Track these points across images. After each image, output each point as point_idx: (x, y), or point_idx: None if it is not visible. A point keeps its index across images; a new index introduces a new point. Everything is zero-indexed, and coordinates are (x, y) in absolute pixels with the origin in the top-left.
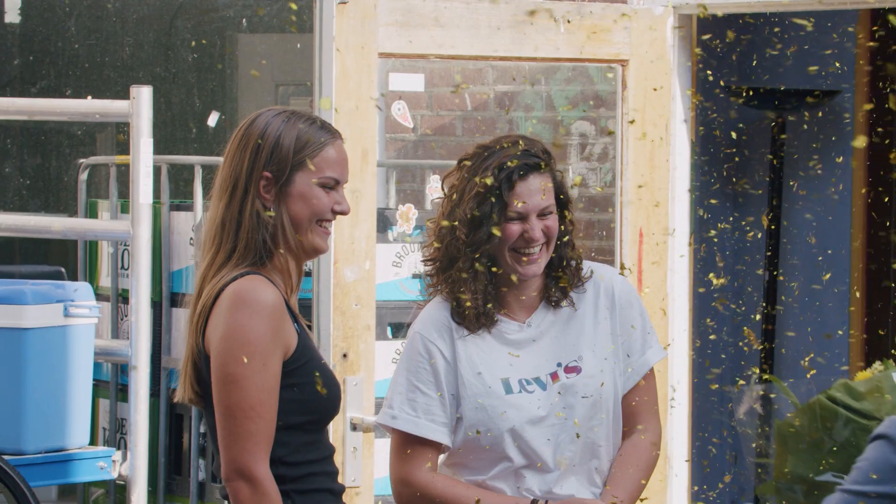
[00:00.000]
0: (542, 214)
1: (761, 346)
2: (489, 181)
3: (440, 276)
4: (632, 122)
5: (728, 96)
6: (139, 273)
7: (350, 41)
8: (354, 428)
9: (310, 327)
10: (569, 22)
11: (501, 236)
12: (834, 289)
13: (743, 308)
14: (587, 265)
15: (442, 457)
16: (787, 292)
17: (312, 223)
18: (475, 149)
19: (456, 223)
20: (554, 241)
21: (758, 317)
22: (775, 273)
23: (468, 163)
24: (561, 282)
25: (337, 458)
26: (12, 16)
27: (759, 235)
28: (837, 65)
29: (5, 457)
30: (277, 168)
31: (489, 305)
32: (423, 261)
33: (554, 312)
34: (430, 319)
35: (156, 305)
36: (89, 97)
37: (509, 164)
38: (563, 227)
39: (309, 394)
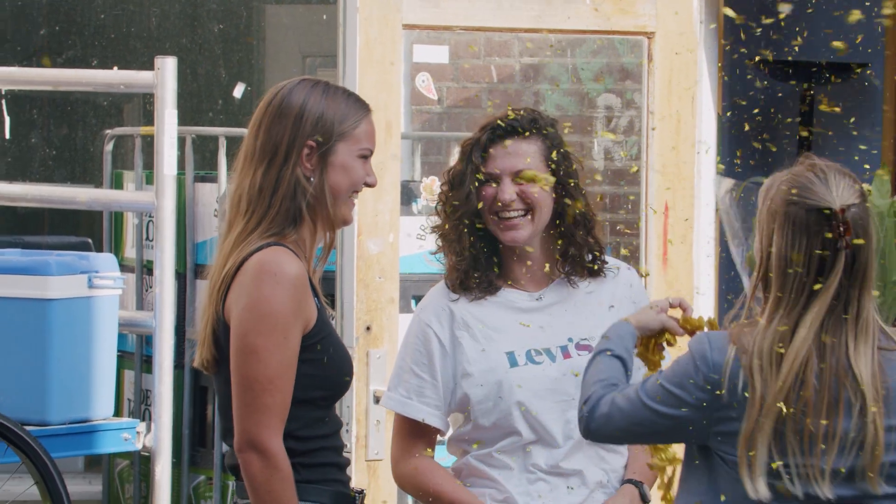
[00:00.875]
0: (517, 179)
1: None
2: (468, 142)
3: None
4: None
5: (755, 69)
6: (163, 244)
7: (374, 12)
8: (378, 401)
9: (331, 302)
10: None
11: (480, 201)
12: None
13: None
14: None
15: (452, 432)
16: None
17: (349, 194)
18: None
19: (441, 186)
20: (540, 210)
21: None
22: None
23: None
24: (574, 257)
25: (360, 431)
26: None
27: None
28: (863, 38)
29: (29, 427)
30: (323, 137)
31: (487, 273)
32: (431, 230)
33: (568, 290)
34: (430, 302)
35: (180, 277)
36: (115, 68)
37: (487, 125)
38: (566, 200)
39: (325, 369)
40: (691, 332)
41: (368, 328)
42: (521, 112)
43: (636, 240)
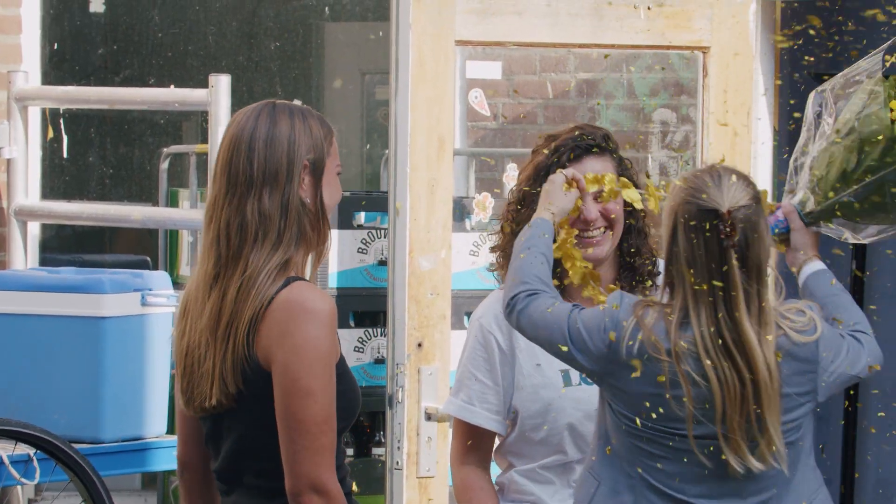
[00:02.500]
0: (599, 197)
1: None
2: (540, 161)
3: (502, 260)
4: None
5: (815, 86)
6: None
7: (427, 29)
8: (429, 418)
9: (383, 319)
10: (649, 9)
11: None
12: None
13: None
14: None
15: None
16: (874, 290)
17: (331, 211)
18: (543, 138)
19: (510, 204)
20: (619, 226)
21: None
22: (861, 273)
23: (540, 154)
24: (634, 271)
25: (411, 448)
26: (97, 5)
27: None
28: None
29: (82, 445)
30: (315, 158)
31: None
32: (491, 249)
33: None
34: (490, 308)
35: None
36: (171, 86)
37: (562, 146)
38: (633, 216)
39: (347, 400)
40: (598, 192)
41: (420, 345)
42: (580, 130)
43: None
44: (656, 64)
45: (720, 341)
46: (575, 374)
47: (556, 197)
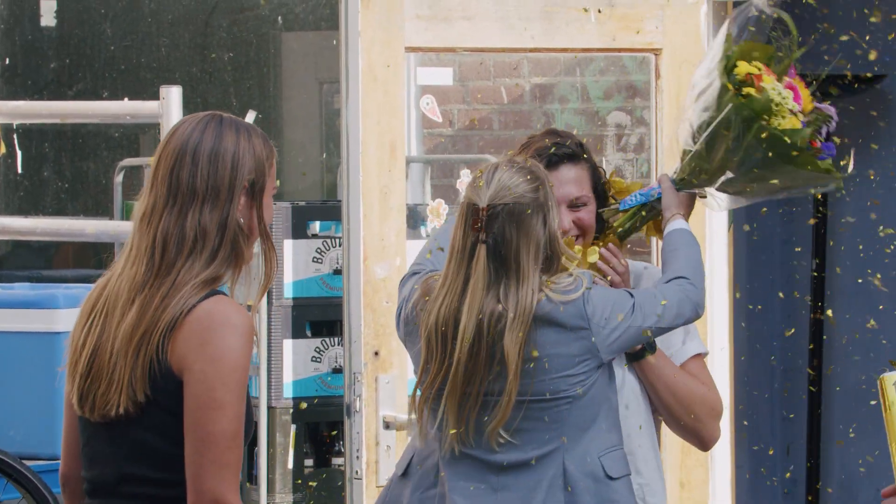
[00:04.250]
0: (573, 206)
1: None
2: None
3: None
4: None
5: None
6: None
7: (376, 36)
8: (387, 426)
9: (339, 327)
10: (599, 11)
11: None
12: (884, 287)
13: (794, 295)
14: (633, 265)
15: None
16: (834, 286)
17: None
18: (520, 145)
19: None
20: (591, 234)
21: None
22: (818, 272)
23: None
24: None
25: (370, 457)
26: (48, 19)
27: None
28: (882, 48)
29: (38, 461)
30: (255, 177)
31: None
32: None
33: None
34: None
35: None
36: (126, 99)
37: (537, 157)
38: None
39: (249, 416)
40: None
41: (377, 353)
42: (551, 138)
43: (648, 258)
44: (609, 67)
45: (441, 324)
46: None
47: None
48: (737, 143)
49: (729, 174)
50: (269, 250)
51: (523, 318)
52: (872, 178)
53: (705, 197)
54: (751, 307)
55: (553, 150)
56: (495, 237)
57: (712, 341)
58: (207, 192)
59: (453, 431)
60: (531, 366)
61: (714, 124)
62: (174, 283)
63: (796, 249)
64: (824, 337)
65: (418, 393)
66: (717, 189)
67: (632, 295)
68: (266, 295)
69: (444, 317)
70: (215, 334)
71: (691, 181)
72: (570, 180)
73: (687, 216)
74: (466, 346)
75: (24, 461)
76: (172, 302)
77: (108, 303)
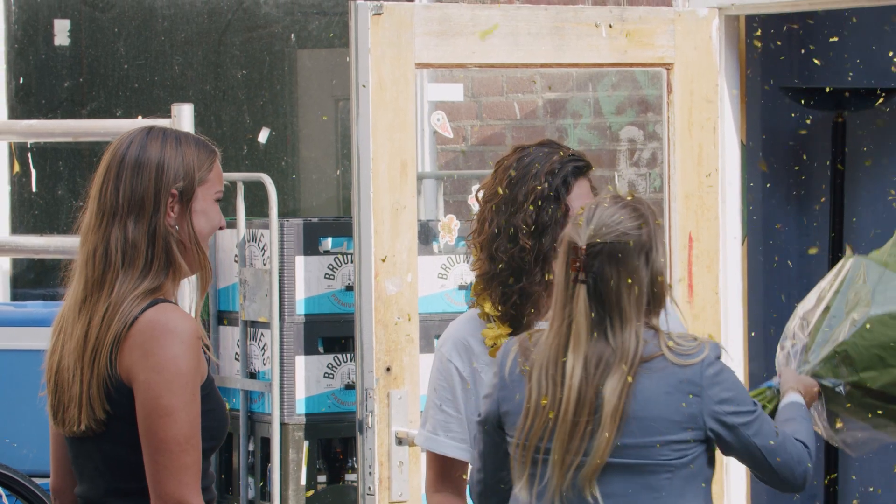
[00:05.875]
0: None
1: None
2: (541, 187)
3: (500, 291)
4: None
5: (788, 98)
6: (184, 291)
7: (386, 52)
8: (400, 442)
9: (348, 344)
10: (610, 27)
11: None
12: None
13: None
14: None
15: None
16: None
17: (209, 238)
18: (513, 152)
19: (514, 232)
20: None
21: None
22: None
23: (513, 172)
24: None
25: (383, 473)
26: (62, 38)
27: (818, 248)
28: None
29: (44, 479)
30: (184, 186)
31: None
32: (475, 271)
33: None
34: (449, 336)
35: (203, 323)
36: (140, 117)
37: (559, 168)
38: None
39: (215, 419)
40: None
41: (388, 369)
42: (562, 151)
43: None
44: (621, 82)
45: (549, 366)
46: None
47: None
48: None
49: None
50: (202, 259)
51: (626, 363)
52: (893, 195)
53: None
54: (766, 317)
55: (573, 164)
56: (595, 277)
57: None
58: (132, 205)
59: (556, 482)
60: (633, 424)
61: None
62: (111, 298)
63: (813, 262)
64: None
65: (524, 443)
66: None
67: (756, 405)
68: (278, 311)
69: (553, 358)
70: (157, 343)
71: (820, 373)
72: (587, 193)
73: (804, 395)
74: (574, 391)
75: (36, 478)
76: (116, 317)
77: (63, 320)
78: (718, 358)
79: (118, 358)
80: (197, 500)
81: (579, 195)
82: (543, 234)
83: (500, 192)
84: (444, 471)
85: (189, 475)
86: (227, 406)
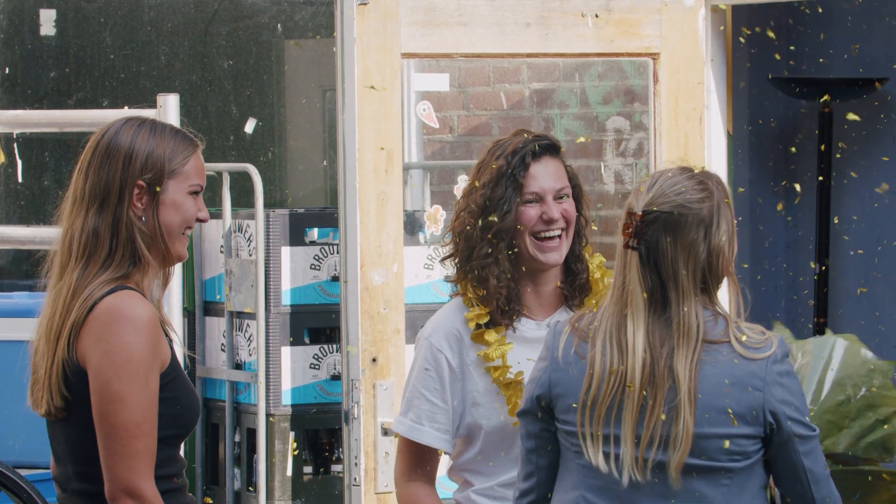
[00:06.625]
0: (557, 197)
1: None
2: (500, 164)
3: (462, 271)
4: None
5: (774, 87)
6: (173, 284)
7: (372, 42)
8: (386, 433)
9: (335, 335)
10: (597, 16)
11: (520, 222)
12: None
13: (794, 297)
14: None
15: (450, 461)
16: (838, 287)
17: (181, 231)
18: (490, 145)
19: (470, 210)
20: (573, 228)
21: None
22: (823, 268)
23: (486, 153)
24: (577, 278)
25: (369, 464)
26: (47, 28)
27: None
28: (883, 51)
29: (38, 470)
30: (152, 177)
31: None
32: (442, 259)
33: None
34: (439, 326)
35: (189, 314)
36: (126, 107)
37: (520, 146)
38: (578, 219)
39: (178, 407)
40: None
41: (374, 360)
42: (526, 134)
43: None
44: (608, 72)
45: (612, 333)
46: None
47: None
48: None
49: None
50: (167, 252)
51: (690, 340)
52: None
53: None
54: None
55: (534, 141)
56: (648, 245)
57: None
58: (96, 194)
59: (629, 457)
60: (700, 412)
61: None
62: (71, 286)
63: (799, 252)
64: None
65: (589, 413)
66: None
67: (816, 428)
68: (264, 302)
69: (616, 325)
70: (109, 329)
71: None
72: (552, 172)
73: None
74: (639, 361)
75: (23, 470)
76: (77, 303)
77: (45, 304)
78: (786, 356)
79: (76, 343)
80: (146, 485)
81: (543, 173)
82: (494, 210)
83: (472, 181)
84: (419, 461)
85: (139, 461)
86: (199, 395)
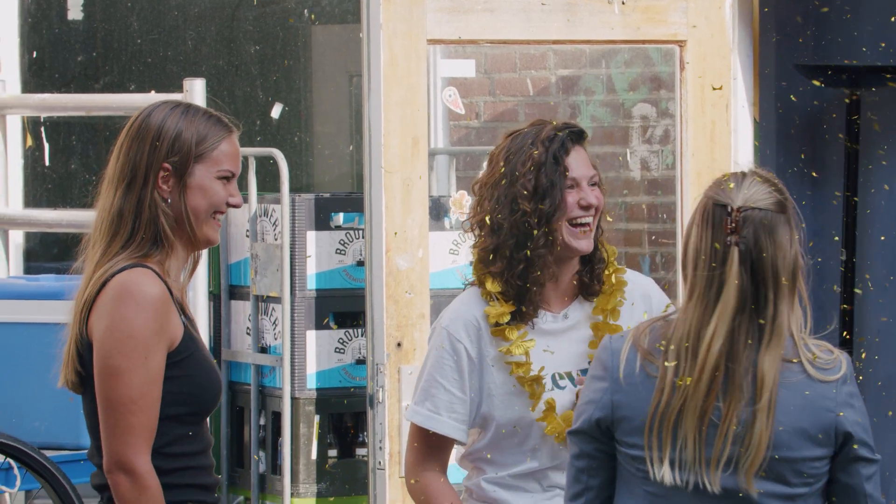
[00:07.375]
0: (591, 184)
1: (841, 331)
2: (539, 152)
3: (505, 262)
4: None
5: (801, 74)
6: (200, 269)
7: (398, 28)
8: None
9: (361, 319)
10: (623, 3)
11: (561, 208)
12: None
13: (823, 287)
14: (637, 278)
15: (463, 450)
16: (865, 275)
17: (209, 215)
18: (506, 135)
19: (514, 199)
20: (599, 216)
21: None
22: (851, 257)
23: (509, 151)
24: (595, 268)
25: (393, 448)
26: (75, 12)
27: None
28: None
29: (63, 452)
30: (179, 160)
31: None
32: (477, 248)
33: (590, 306)
34: (458, 316)
35: (214, 298)
36: (153, 91)
37: (558, 133)
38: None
39: (190, 385)
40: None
41: (399, 344)
42: (539, 124)
43: (674, 249)
44: (634, 59)
45: (688, 337)
46: (549, 378)
47: None
48: None
49: None
50: (193, 237)
51: (779, 341)
52: None
53: None
54: None
55: (567, 128)
56: (747, 243)
57: None
58: (125, 175)
59: (693, 460)
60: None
61: None
62: (96, 263)
63: (826, 241)
64: (855, 330)
65: (658, 427)
66: None
67: (877, 454)
68: (290, 286)
69: (695, 328)
70: (113, 304)
71: None
72: (584, 159)
73: None
74: (713, 357)
75: (48, 451)
76: (93, 280)
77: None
78: (854, 376)
79: (88, 319)
80: (140, 460)
81: (577, 160)
82: (544, 197)
83: (499, 170)
84: (434, 450)
85: (134, 436)
86: (220, 376)
